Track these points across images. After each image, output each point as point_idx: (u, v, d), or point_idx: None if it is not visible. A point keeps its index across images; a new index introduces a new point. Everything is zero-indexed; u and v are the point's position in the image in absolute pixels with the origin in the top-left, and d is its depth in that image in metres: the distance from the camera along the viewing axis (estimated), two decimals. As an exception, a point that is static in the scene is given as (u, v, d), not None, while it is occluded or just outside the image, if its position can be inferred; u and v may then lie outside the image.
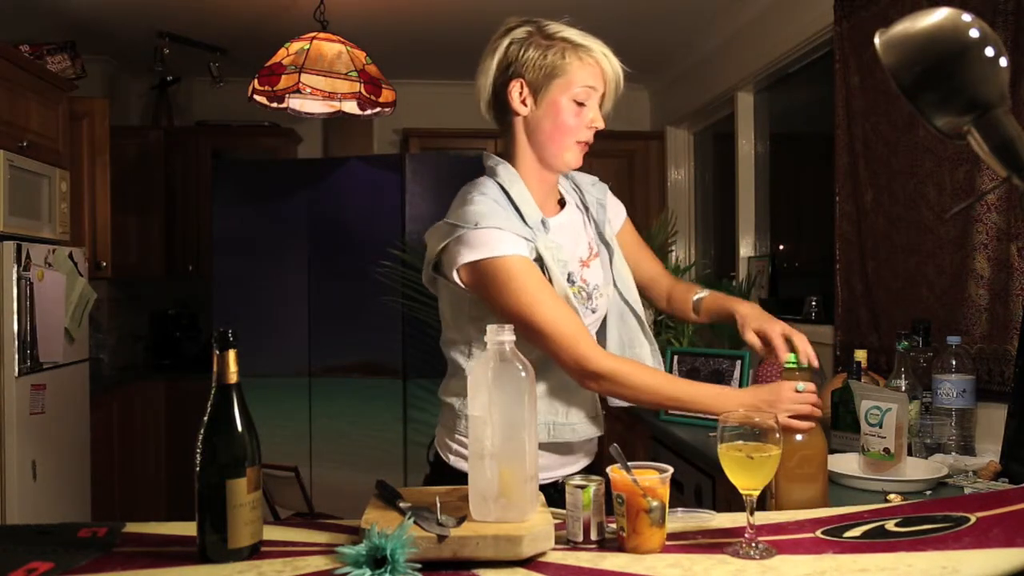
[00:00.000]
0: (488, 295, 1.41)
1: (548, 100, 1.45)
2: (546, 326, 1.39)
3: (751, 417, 1.13)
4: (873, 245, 2.73)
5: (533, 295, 1.38)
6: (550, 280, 1.43)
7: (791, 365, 1.40)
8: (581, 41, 1.45)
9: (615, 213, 1.68)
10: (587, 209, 1.62)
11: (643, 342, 1.59)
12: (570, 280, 1.49)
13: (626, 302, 1.58)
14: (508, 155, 1.52)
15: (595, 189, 1.65)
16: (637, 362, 1.51)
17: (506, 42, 1.46)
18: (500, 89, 1.47)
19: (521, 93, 1.46)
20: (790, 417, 1.34)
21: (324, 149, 5.11)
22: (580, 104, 1.45)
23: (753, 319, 1.53)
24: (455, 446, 1.52)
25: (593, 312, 1.53)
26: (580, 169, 1.56)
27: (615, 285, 1.58)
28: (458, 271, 1.41)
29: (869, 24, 2.71)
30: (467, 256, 1.39)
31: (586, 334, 1.43)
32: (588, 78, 1.44)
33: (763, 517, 1.21)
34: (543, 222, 1.47)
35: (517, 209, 1.45)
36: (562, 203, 1.59)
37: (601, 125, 1.48)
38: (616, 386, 1.41)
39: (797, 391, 1.36)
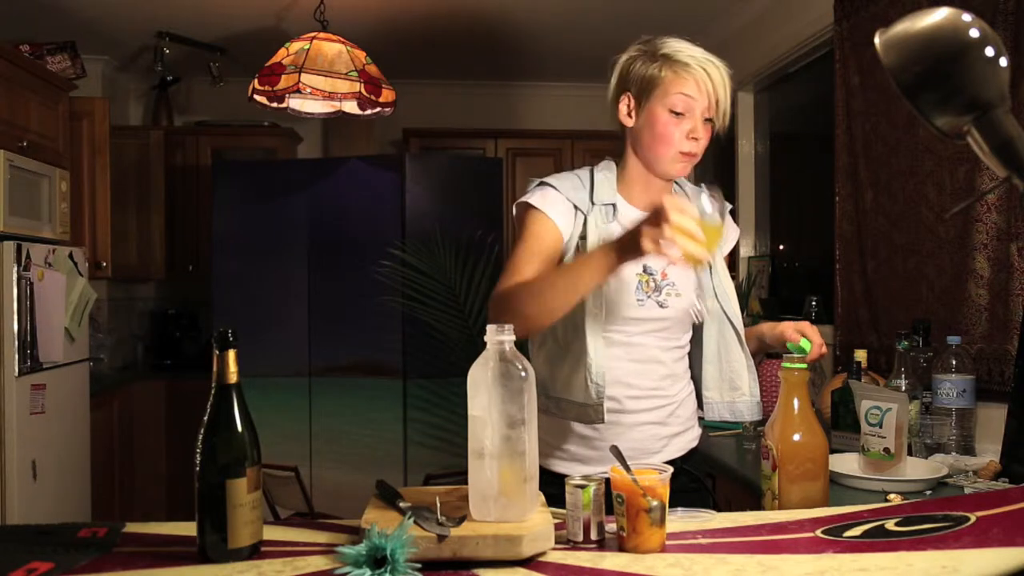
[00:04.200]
0: (515, 232, 1.60)
1: (647, 111, 1.51)
2: (507, 265, 1.51)
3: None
4: (873, 245, 2.73)
5: (521, 242, 1.53)
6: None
7: (804, 348, 1.46)
8: (679, 57, 1.49)
9: (728, 235, 1.69)
10: None
11: (739, 356, 1.61)
12: (646, 271, 1.55)
13: (726, 314, 1.62)
14: (619, 162, 1.62)
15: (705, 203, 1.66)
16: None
17: (622, 60, 1.55)
18: (614, 104, 1.57)
19: (628, 106, 1.54)
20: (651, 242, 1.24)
21: (324, 149, 5.11)
22: (678, 114, 1.49)
23: (785, 323, 1.59)
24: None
25: (660, 307, 1.55)
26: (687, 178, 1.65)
27: (716, 297, 1.62)
28: (515, 207, 1.60)
29: (869, 24, 2.71)
30: (523, 197, 1.57)
31: (515, 277, 1.46)
32: (683, 87, 1.48)
33: (763, 517, 1.21)
34: (614, 207, 1.55)
35: (593, 188, 1.56)
36: None
37: (700, 135, 1.50)
38: (500, 301, 1.42)
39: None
